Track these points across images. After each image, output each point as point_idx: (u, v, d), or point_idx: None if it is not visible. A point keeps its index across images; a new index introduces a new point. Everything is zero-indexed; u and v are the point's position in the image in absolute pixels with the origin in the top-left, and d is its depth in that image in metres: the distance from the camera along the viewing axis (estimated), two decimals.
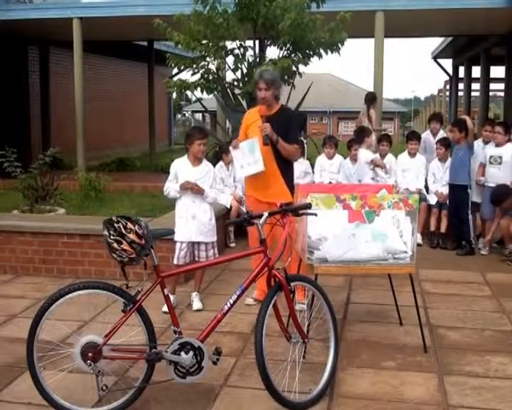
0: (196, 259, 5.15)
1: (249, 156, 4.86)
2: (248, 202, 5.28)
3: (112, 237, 3.18)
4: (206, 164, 5.21)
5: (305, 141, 9.18)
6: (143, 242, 3.20)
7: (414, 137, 7.95)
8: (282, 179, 4.95)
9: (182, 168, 5.14)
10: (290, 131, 4.93)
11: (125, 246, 3.18)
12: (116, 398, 3.29)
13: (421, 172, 7.75)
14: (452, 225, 7.42)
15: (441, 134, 8.30)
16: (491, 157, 7.08)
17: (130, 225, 3.19)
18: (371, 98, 9.88)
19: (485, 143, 7.39)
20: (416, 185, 7.66)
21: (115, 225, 3.19)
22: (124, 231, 3.17)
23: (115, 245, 3.19)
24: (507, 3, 10.97)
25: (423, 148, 8.27)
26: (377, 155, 7.89)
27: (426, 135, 8.53)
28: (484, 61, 18.57)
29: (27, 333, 3.19)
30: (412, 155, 7.83)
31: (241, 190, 7.54)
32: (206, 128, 14.78)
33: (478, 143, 7.43)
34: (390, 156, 8.09)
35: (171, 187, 5.15)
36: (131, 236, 3.18)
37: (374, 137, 8.82)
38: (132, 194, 11.39)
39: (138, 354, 3.35)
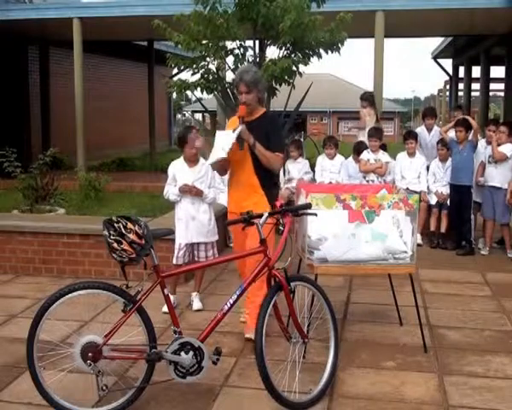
0: (196, 259, 5.15)
1: (221, 141, 4.17)
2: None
3: (112, 237, 3.18)
4: (202, 163, 5.18)
5: (302, 139, 9.17)
6: (143, 242, 3.20)
7: (411, 136, 7.93)
8: (262, 192, 4.28)
9: (179, 170, 5.13)
10: (273, 138, 4.28)
11: (125, 246, 3.18)
12: (116, 398, 3.29)
13: (423, 174, 7.74)
14: (453, 225, 7.43)
15: (436, 129, 8.32)
16: (489, 156, 7.09)
17: (130, 225, 3.19)
18: (373, 97, 9.84)
19: (488, 143, 7.38)
20: (420, 188, 7.65)
21: (115, 225, 3.19)
22: (124, 231, 3.17)
23: (115, 245, 3.19)
24: (507, 3, 10.97)
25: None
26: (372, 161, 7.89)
27: (420, 130, 8.51)
28: (484, 61, 18.57)
29: (27, 333, 3.19)
30: (411, 154, 7.82)
31: None
32: (199, 129, 14.67)
33: (481, 143, 7.43)
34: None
35: (170, 191, 5.15)
36: (131, 236, 3.18)
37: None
38: (132, 194, 11.40)
39: (138, 354, 3.35)
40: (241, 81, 4.23)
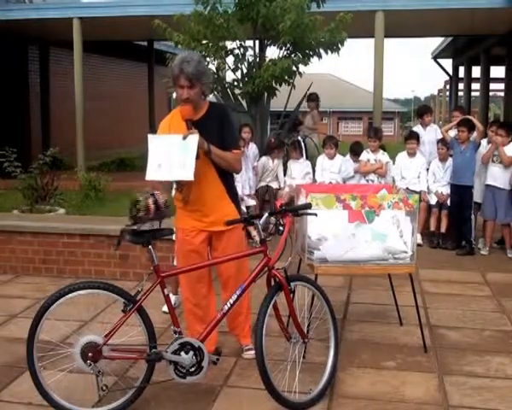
0: None
1: (178, 155, 3.42)
2: (188, 238, 3.85)
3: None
4: None
5: (301, 140, 9.20)
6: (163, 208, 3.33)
7: (412, 137, 7.92)
8: (228, 198, 3.81)
9: None
10: (226, 134, 3.71)
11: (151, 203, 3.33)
12: (116, 398, 3.29)
13: (423, 174, 7.73)
14: (453, 224, 7.43)
15: (431, 126, 8.33)
16: (493, 156, 7.08)
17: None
18: (319, 98, 10.04)
19: (489, 143, 7.37)
20: (420, 187, 7.65)
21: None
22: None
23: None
24: (507, 3, 10.98)
25: None
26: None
27: (416, 129, 8.51)
28: (484, 61, 18.57)
29: (27, 333, 3.19)
30: (411, 154, 7.82)
31: (240, 190, 7.54)
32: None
33: (483, 144, 7.42)
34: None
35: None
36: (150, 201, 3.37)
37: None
38: (132, 194, 11.37)
39: (138, 354, 3.35)
40: (182, 73, 3.51)
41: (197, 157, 3.42)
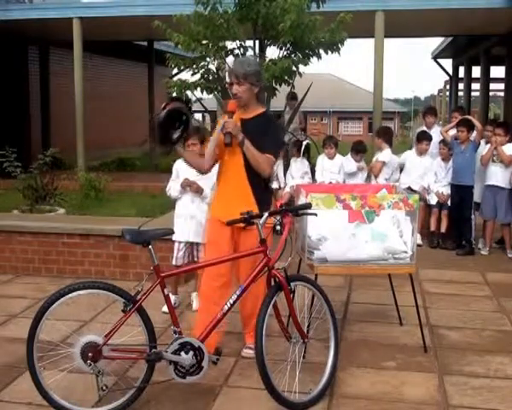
0: (195, 259, 5.15)
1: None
2: (211, 229, 4.04)
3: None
4: None
5: (304, 141, 9.18)
6: None
7: (425, 138, 7.90)
8: (253, 199, 3.83)
9: (183, 168, 5.14)
10: (268, 138, 3.83)
11: None
12: (116, 398, 3.29)
13: (428, 174, 7.74)
14: (453, 224, 7.43)
15: (436, 128, 8.33)
16: (493, 155, 7.08)
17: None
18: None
19: (488, 143, 7.37)
20: (422, 184, 7.66)
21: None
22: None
23: None
24: (507, 3, 10.97)
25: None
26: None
27: (421, 130, 8.53)
28: (484, 61, 18.56)
29: (27, 333, 3.19)
30: (421, 154, 7.82)
31: None
32: (200, 127, 14.78)
33: (482, 144, 7.42)
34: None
35: (172, 186, 5.19)
36: None
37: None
38: (132, 194, 11.38)
39: (138, 354, 3.35)
40: (233, 71, 3.87)
41: (229, 144, 3.71)
